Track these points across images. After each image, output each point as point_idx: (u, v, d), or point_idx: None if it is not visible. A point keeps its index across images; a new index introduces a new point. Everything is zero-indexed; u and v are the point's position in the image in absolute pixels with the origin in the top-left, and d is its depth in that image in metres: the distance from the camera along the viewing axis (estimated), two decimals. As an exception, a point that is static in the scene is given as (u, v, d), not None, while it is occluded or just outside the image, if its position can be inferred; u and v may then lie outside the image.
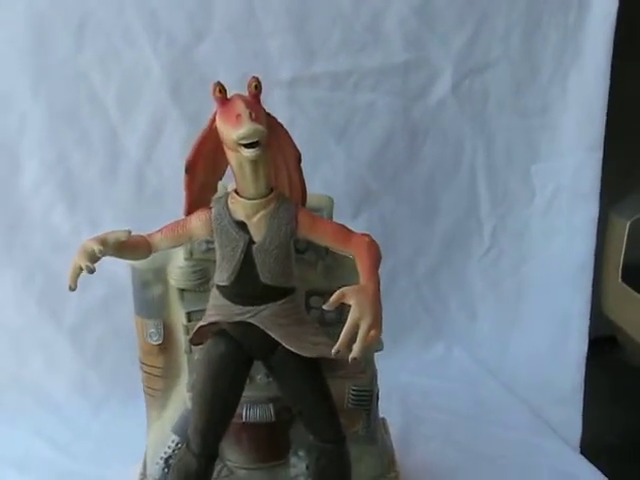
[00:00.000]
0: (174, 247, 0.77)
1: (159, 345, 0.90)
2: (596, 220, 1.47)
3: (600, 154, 1.44)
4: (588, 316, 1.49)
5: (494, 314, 1.55)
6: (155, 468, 0.93)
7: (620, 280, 1.79)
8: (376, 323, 0.65)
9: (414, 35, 1.37)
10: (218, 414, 0.77)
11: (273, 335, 0.72)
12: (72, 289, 0.71)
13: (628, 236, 1.80)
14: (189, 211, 0.73)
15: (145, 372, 0.93)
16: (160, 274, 0.87)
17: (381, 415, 1.01)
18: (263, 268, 0.71)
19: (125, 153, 1.30)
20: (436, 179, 1.47)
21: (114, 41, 1.25)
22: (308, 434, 0.81)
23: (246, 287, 0.72)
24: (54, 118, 1.27)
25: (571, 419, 1.41)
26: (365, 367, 0.92)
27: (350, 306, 0.66)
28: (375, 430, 0.96)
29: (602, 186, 1.51)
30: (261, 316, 0.72)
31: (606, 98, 1.41)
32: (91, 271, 0.69)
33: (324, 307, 0.67)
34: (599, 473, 1.14)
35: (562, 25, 1.41)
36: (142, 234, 0.75)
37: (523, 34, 1.41)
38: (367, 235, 0.72)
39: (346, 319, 0.70)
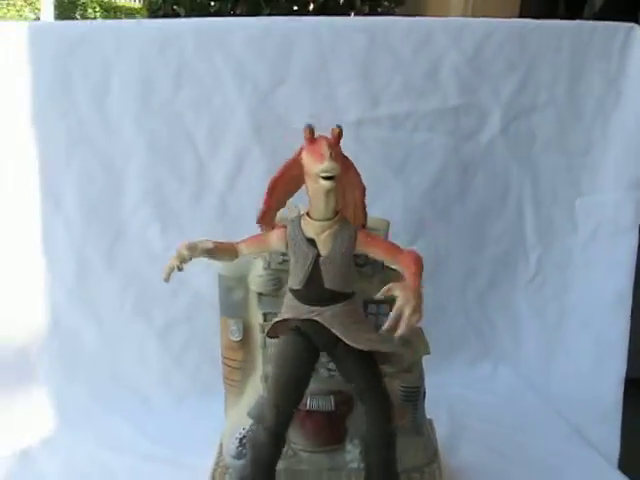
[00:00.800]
0: (255, 255, 0.91)
1: (239, 341, 1.02)
2: (635, 253, 1.50)
3: (639, 192, 1.48)
4: (627, 341, 1.51)
5: (538, 336, 1.59)
6: (231, 447, 1.02)
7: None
8: (417, 309, 0.77)
9: (467, 81, 1.43)
10: (291, 394, 0.87)
11: (334, 331, 0.82)
12: (166, 281, 0.85)
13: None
14: (261, 220, 0.87)
15: (226, 365, 1.05)
16: (242, 281, 0.99)
17: (428, 417, 1.09)
18: (327, 276, 0.82)
19: (211, 183, 1.41)
20: (485, 211, 1.52)
21: (205, 86, 1.36)
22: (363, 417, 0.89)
23: (313, 291, 0.83)
24: (153, 150, 1.38)
25: (610, 436, 1.44)
26: (412, 367, 1.02)
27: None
28: (421, 425, 1.05)
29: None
30: (325, 315, 0.83)
31: None
32: (180, 269, 0.84)
33: (377, 296, 0.79)
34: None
35: (604, 71, 1.46)
36: (231, 241, 0.88)
37: (568, 80, 1.46)
38: (413, 250, 0.83)
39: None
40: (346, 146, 0.84)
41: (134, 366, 1.43)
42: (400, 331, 0.77)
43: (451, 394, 1.46)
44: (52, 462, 1.20)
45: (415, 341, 1.03)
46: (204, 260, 0.92)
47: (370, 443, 0.90)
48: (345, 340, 0.83)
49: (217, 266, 1.00)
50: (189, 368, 1.44)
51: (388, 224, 0.98)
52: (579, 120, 1.50)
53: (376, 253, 0.85)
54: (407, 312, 0.77)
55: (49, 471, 1.18)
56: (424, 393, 1.06)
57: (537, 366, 1.59)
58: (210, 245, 0.86)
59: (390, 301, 0.94)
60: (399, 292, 0.78)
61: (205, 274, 1.18)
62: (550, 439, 1.32)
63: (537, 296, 1.60)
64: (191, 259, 0.85)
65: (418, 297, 0.78)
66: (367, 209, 0.89)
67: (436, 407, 1.18)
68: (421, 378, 1.04)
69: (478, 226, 1.54)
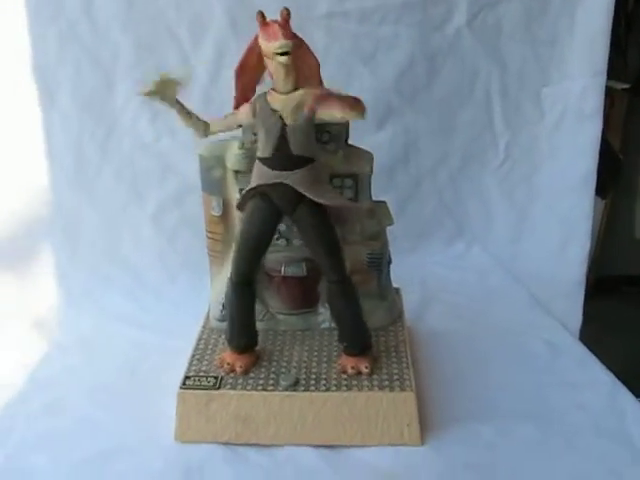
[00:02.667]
0: (226, 130, 0.97)
1: (220, 216, 1.09)
2: (599, 138, 1.58)
3: (603, 79, 1.54)
4: (591, 221, 1.62)
5: (508, 217, 1.68)
6: (215, 310, 1.12)
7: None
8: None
9: None
10: (251, 249, 0.96)
11: (301, 190, 0.90)
12: (140, 94, 0.92)
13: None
14: (236, 107, 0.94)
15: (209, 238, 1.11)
16: (220, 160, 1.05)
17: (397, 285, 1.19)
18: (293, 143, 0.90)
19: (195, 76, 1.46)
20: (453, 99, 1.58)
21: None
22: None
23: (281, 157, 0.90)
24: (139, 47, 1.43)
25: (572, 310, 1.55)
26: (377, 236, 1.09)
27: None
28: (386, 290, 1.14)
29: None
30: (292, 178, 0.90)
31: (609, 28, 1.50)
32: (156, 94, 0.92)
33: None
34: (584, 348, 1.25)
35: None
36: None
37: None
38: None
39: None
40: (317, 38, 0.94)
41: (130, 247, 1.52)
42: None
43: (424, 270, 1.55)
44: (60, 331, 1.32)
45: (380, 213, 1.11)
46: (189, 146, 0.98)
47: (328, 296, 1.00)
48: (310, 196, 0.91)
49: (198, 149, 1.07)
50: (180, 248, 1.53)
51: (372, 156, 1.05)
52: (545, 10, 1.54)
53: (331, 109, 0.90)
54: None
55: (60, 339, 1.29)
56: (389, 261, 1.14)
57: (506, 245, 1.68)
58: (185, 75, 0.94)
59: (351, 175, 1.05)
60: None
61: (191, 160, 1.24)
62: (516, 310, 1.40)
63: (506, 180, 1.67)
64: (164, 93, 0.92)
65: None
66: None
67: (409, 282, 1.28)
68: (385, 246, 1.11)
69: (447, 113, 1.60)
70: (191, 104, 1.40)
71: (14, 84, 1.43)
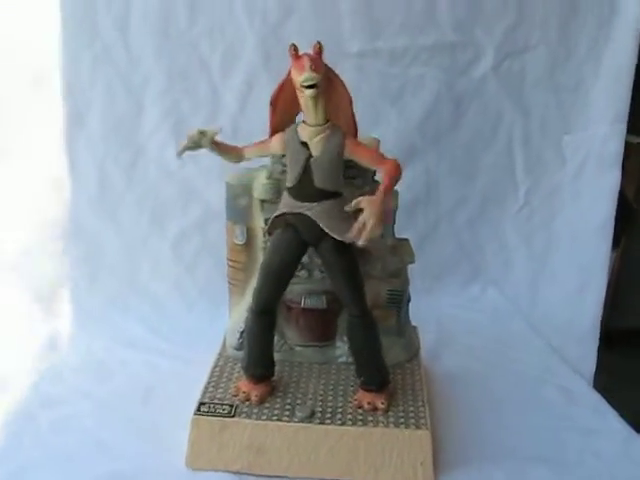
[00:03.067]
0: (258, 156, 0.98)
1: (243, 244, 1.09)
2: (618, 186, 1.58)
3: (624, 126, 1.54)
4: (607, 269, 1.61)
5: (525, 262, 1.67)
6: (232, 338, 1.11)
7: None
8: (378, 223, 0.86)
9: (462, 19, 1.48)
10: (275, 278, 0.96)
11: (320, 224, 0.91)
12: (179, 156, 0.95)
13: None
14: (271, 135, 0.94)
15: (230, 266, 1.12)
16: (247, 189, 1.06)
17: (414, 324, 1.19)
18: (317, 175, 0.90)
19: (224, 106, 1.48)
20: (476, 143, 1.58)
21: (219, 17, 1.43)
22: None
23: (304, 188, 0.91)
24: (171, 75, 1.45)
25: (586, 357, 1.53)
26: (398, 273, 1.10)
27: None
28: (404, 327, 1.14)
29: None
30: (314, 210, 0.91)
31: (632, 77, 1.51)
32: (193, 148, 0.94)
33: (345, 208, 0.89)
34: (598, 396, 1.24)
35: (597, 11, 1.50)
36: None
37: (560, 20, 1.51)
38: (395, 159, 0.91)
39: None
40: (348, 75, 0.92)
41: (149, 274, 1.53)
42: (362, 241, 0.87)
43: (441, 311, 1.55)
44: (73, 354, 1.32)
45: (402, 250, 1.12)
46: (214, 173, 1.00)
47: (349, 330, 1.00)
48: (328, 232, 0.91)
49: (225, 177, 1.08)
50: (200, 277, 1.53)
51: (378, 141, 1.06)
52: (570, 58, 1.55)
53: (361, 157, 0.92)
54: (369, 225, 0.86)
55: (71, 360, 1.29)
56: (408, 299, 1.14)
57: (523, 290, 1.67)
58: (217, 130, 0.95)
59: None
60: (365, 205, 0.87)
61: (215, 187, 1.25)
62: (531, 355, 1.39)
63: (525, 225, 1.66)
64: (200, 145, 0.95)
65: (381, 210, 0.87)
66: (364, 135, 0.97)
67: (426, 321, 1.28)
68: (406, 284, 1.12)
69: (469, 157, 1.60)
70: (219, 135, 1.45)
71: (43, 104, 1.45)
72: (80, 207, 1.49)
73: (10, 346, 1.33)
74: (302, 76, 0.86)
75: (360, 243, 0.87)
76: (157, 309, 1.49)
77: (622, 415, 1.18)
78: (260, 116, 0.96)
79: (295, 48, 0.88)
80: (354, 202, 0.88)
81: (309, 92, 0.87)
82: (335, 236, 0.91)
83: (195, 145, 0.94)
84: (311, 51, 0.88)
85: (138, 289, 1.51)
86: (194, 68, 1.46)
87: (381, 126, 1.50)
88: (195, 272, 1.54)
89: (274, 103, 0.93)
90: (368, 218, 0.86)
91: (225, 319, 1.17)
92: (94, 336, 1.38)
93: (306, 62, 0.86)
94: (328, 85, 0.89)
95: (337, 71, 0.91)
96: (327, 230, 0.91)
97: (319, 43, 0.88)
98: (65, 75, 1.43)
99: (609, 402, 1.23)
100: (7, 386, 1.18)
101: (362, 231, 0.87)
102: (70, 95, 1.44)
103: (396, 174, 0.90)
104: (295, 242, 0.95)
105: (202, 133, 0.94)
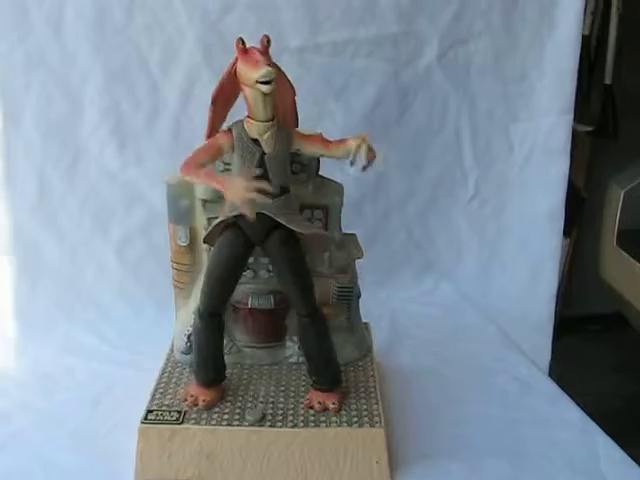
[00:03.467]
0: (213, 161, 0.92)
1: (186, 246, 1.06)
2: (567, 175, 1.60)
3: (571, 116, 1.56)
4: (559, 258, 1.63)
5: (477, 254, 1.68)
6: (180, 343, 1.09)
7: (615, 244, 1.95)
8: (370, 147, 0.88)
9: (404, 9, 1.47)
10: (221, 281, 0.94)
11: (279, 219, 0.88)
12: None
13: (622, 204, 1.96)
14: (210, 134, 0.91)
15: (175, 269, 1.09)
16: (188, 189, 1.03)
17: (366, 320, 1.17)
18: (272, 172, 0.88)
19: (165, 104, 1.45)
20: (424, 133, 1.58)
21: (158, 13, 1.39)
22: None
23: None
24: (109, 74, 1.41)
25: (541, 347, 1.56)
26: (347, 269, 1.08)
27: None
28: (355, 324, 1.12)
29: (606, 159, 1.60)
30: (271, 207, 0.88)
31: (576, 67, 1.53)
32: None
33: (350, 159, 0.89)
34: (554, 385, 1.25)
35: (538, 2, 1.53)
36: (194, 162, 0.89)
37: (503, 10, 1.52)
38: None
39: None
40: (289, 70, 0.90)
41: (93, 278, 1.49)
42: (361, 163, 0.88)
43: (393, 306, 1.54)
44: (18, 365, 1.29)
45: (349, 245, 1.11)
46: (156, 175, 0.98)
47: (299, 330, 0.99)
48: (289, 226, 0.90)
49: (166, 177, 1.05)
50: (145, 279, 1.50)
51: (321, 135, 1.00)
52: (514, 48, 1.56)
53: (312, 145, 0.92)
54: (364, 145, 0.88)
55: (15, 373, 1.26)
56: (358, 294, 1.13)
57: (476, 281, 1.68)
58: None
59: (321, 206, 1.04)
60: (352, 140, 0.88)
61: (157, 189, 1.22)
62: (485, 346, 1.39)
63: (476, 215, 1.67)
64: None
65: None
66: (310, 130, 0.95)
67: (378, 317, 1.30)
68: (354, 279, 1.10)
69: (417, 148, 1.59)
70: (160, 132, 1.42)
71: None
72: (20, 212, 1.45)
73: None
74: (259, 72, 0.83)
75: (362, 165, 0.88)
76: (103, 315, 1.46)
77: (578, 404, 1.19)
78: (202, 114, 0.93)
79: (243, 42, 0.85)
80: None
81: (266, 88, 0.84)
82: (295, 229, 0.90)
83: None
84: (258, 45, 0.86)
85: (82, 295, 1.48)
86: (133, 65, 1.42)
87: (326, 121, 1.48)
88: (140, 276, 1.51)
89: (215, 100, 0.90)
90: (360, 142, 0.88)
91: (172, 322, 1.15)
92: (39, 345, 1.34)
93: (260, 57, 0.84)
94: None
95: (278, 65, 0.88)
96: (287, 225, 0.90)
97: (267, 37, 0.85)
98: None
99: (565, 391, 1.23)
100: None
101: (358, 153, 0.87)
102: (3, 97, 1.40)
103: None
104: (240, 242, 0.93)
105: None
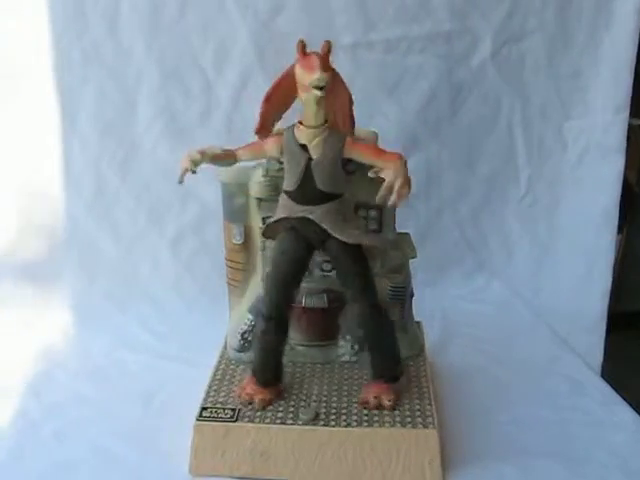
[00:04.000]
0: (253, 159, 0.96)
1: (241, 244, 1.08)
2: (622, 173, 1.56)
3: (627, 114, 1.53)
4: (612, 257, 1.59)
5: (529, 252, 1.67)
6: (234, 340, 1.10)
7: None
8: (406, 182, 0.85)
9: (458, 8, 1.47)
10: (284, 284, 0.95)
11: (325, 227, 0.89)
12: (180, 182, 0.91)
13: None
14: (259, 131, 0.91)
15: (229, 267, 1.10)
16: (243, 188, 1.04)
17: (418, 319, 1.17)
18: (318, 178, 0.88)
19: (217, 102, 1.47)
20: (476, 131, 1.57)
21: (210, 11, 1.42)
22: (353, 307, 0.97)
23: (306, 192, 0.89)
24: (163, 72, 1.44)
25: (594, 346, 1.53)
26: (400, 269, 1.08)
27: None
28: (407, 322, 1.12)
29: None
30: (316, 213, 0.89)
31: (633, 64, 1.50)
32: (193, 172, 0.90)
33: (369, 174, 0.87)
34: (607, 386, 1.23)
35: None
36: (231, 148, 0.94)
37: (557, 7, 1.50)
38: (397, 152, 0.89)
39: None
40: (342, 68, 0.89)
41: (148, 273, 1.52)
42: (392, 200, 0.86)
43: (445, 304, 1.54)
44: (73, 358, 1.30)
45: (403, 245, 1.10)
46: (210, 172, 0.99)
47: (361, 318, 0.97)
48: (333, 234, 0.90)
49: (221, 176, 1.06)
50: (199, 275, 1.52)
51: (376, 135, 1.03)
52: (569, 45, 1.54)
53: (362, 156, 0.90)
54: (397, 184, 0.85)
55: (70, 366, 1.27)
56: (411, 294, 1.13)
57: (528, 280, 1.66)
58: (217, 151, 0.93)
59: (376, 206, 1.03)
60: (387, 170, 0.86)
61: (211, 186, 1.23)
62: (537, 345, 1.38)
63: (528, 214, 1.66)
64: (201, 163, 0.91)
65: (405, 172, 0.86)
66: (362, 127, 0.95)
67: (430, 315, 1.29)
68: (408, 279, 1.10)
69: (469, 146, 1.58)
70: (212, 129, 1.44)
71: (36, 104, 1.43)
72: (76, 208, 1.48)
73: (9, 352, 1.31)
74: (313, 77, 0.83)
75: (391, 203, 0.86)
76: (156, 310, 1.48)
77: (631, 404, 1.17)
78: (255, 111, 0.93)
79: (303, 45, 0.85)
80: (374, 170, 0.88)
81: (317, 93, 0.84)
82: (340, 237, 0.90)
83: (195, 166, 0.91)
84: (319, 50, 0.85)
85: (137, 289, 1.50)
86: (186, 64, 1.45)
87: (379, 118, 1.48)
88: (194, 271, 1.53)
89: (269, 99, 0.90)
90: (395, 177, 0.85)
91: (225, 318, 1.15)
92: (94, 338, 1.36)
93: (316, 62, 0.83)
94: (330, 84, 0.86)
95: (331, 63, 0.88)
96: (331, 232, 0.90)
97: (328, 42, 0.85)
98: (56, 73, 1.41)
99: (617, 389, 1.22)
100: (7, 393, 1.17)
101: (391, 192, 0.85)
102: (61, 94, 1.42)
103: (403, 160, 0.88)
104: (301, 245, 0.94)
105: (202, 152, 0.91)
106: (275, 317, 0.96)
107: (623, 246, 2.25)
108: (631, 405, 1.17)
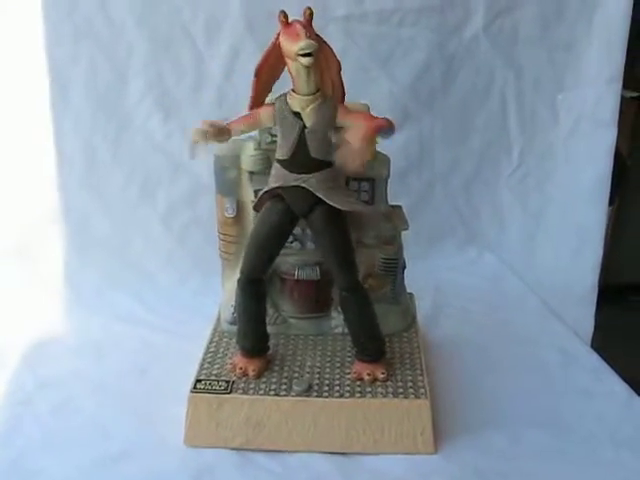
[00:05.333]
0: (247, 132, 0.95)
1: (233, 217, 1.07)
2: (613, 145, 1.56)
3: (619, 85, 1.52)
4: (603, 229, 1.60)
5: (521, 224, 1.68)
6: (227, 312, 1.10)
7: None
8: (369, 144, 0.83)
9: None
10: (261, 247, 0.95)
11: (318, 194, 0.89)
12: (192, 158, 0.90)
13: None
14: (252, 106, 0.92)
15: (222, 240, 1.10)
16: (235, 161, 1.04)
17: (410, 291, 1.17)
18: (312, 146, 0.88)
19: (209, 74, 1.46)
20: (469, 103, 1.57)
21: None
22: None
23: (300, 160, 0.89)
24: (154, 45, 1.42)
25: (584, 318, 1.54)
26: (392, 240, 1.08)
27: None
28: (399, 294, 1.13)
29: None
30: (310, 181, 0.89)
31: (627, 35, 1.49)
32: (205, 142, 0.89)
33: (332, 138, 0.87)
34: (597, 357, 1.24)
35: None
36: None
37: None
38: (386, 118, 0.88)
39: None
40: (335, 40, 0.90)
41: (140, 247, 1.52)
42: (357, 163, 0.83)
43: (437, 276, 1.55)
44: (68, 333, 1.31)
45: (395, 217, 1.10)
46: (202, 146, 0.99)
47: (341, 304, 0.99)
48: (327, 201, 0.90)
49: (213, 149, 1.05)
50: (191, 249, 1.52)
51: (368, 107, 1.02)
52: (562, 17, 1.53)
53: (354, 122, 0.89)
54: (357, 146, 0.83)
55: (65, 340, 1.28)
56: (404, 266, 1.13)
57: (519, 252, 1.67)
58: (223, 124, 0.91)
59: (368, 178, 1.03)
60: (351, 132, 0.85)
61: (204, 160, 1.22)
62: (528, 317, 1.40)
63: (520, 186, 1.67)
64: (212, 137, 0.90)
65: (370, 134, 0.84)
66: (354, 99, 0.95)
67: (422, 287, 1.27)
68: (400, 251, 1.10)
69: (462, 118, 1.58)
70: (204, 102, 1.43)
71: (26, 80, 1.42)
72: (68, 182, 1.48)
73: (4, 327, 1.32)
74: (298, 44, 0.83)
75: (355, 166, 0.83)
76: (150, 284, 1.48)
77: (621, 375, 1.18)
78: (246, 84, 0.92)
79: (285, 15, 0.85)
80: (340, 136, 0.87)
81: (306, 60, 0.84)
82: (335, 205, 0.90)
83: (203, 140, 0.90)
84: (301, 18, 0.85)
85: (130, 264, 1.50)
86: (177, 36, 1.43)
87: (371, 90, 1.47)
88: (186, 245, 1.53)
89: (259, 73, 0.90)
90: (356, 141, 0.83)
91: (217, 291, 1.16)
92: (88, 313, 1.37)
93: (300, 30, 0.83)
94: (318, 52, 0.85)
95: (324, 35, 0.88)
96: (325, 199, 0.90)
97: (309, 9, 0.85)
98: (47, 50, 1.40)
99: (607, 361, 1.23)
100: (2, 367, 1.18)
101: (350, 156, 0.84)
102: (52, 68, 1.41)
103: (386, 122, 0.87)
104: (283, 213, 0.94)
105: (212, 125, 0.90)
106: (252, 280, 0.98)
107: (614, 218, 2.25)
108: (620, 375, 1.18)
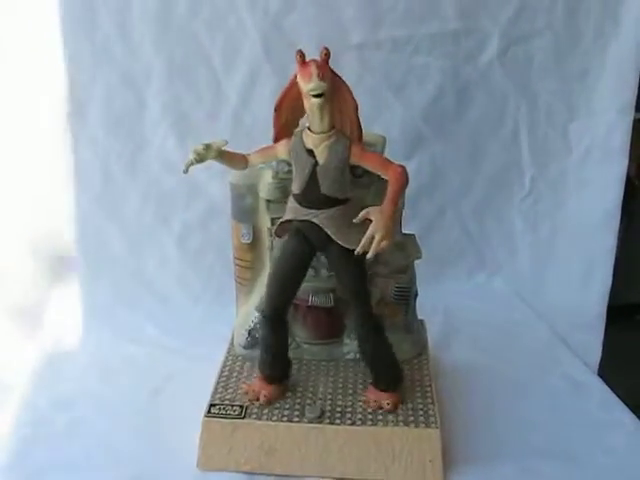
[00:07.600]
0: (264, 163, 0.98)
1: (249, 244, 1.09)
2: (624, 174, 1.55)
3: (631, 116, 1.52)
4: (613, 257, 1.58)
5: (531, 251, 1.67)
6: (241, 338, 1.12)
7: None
8: (387, 236, 0.86)
9: (465, 7, 1.46)
10: (284, 284, 0.97)
11: (327, 231, 0.90)
12: (185, 173, 0.92)
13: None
14: (276, 140, 0.93)
15: (237, 265, 1.12)
16: (252, 189, 1.05)
17: (421, 317, 1.19)
18: (323, 183, 0.90)
19: (226, 99, 1.46)
20: (482, 130, 1.56)
21: (219, 8, 1.41)
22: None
23: (310, 195, 0.91)
24: (172, 68, 1.43)
25: (592, 345, 1.50)
26: (405, 269, 1.09)
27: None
28: (412, 322, 1.14)
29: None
30: (320, 217, 0.91)
31: (639, 66, 1.47)
32: (198, 161, 0.92)
33: (354, 221, 0.88)
34: (604, 385, 1.24)
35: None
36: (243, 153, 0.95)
37: (566, 7, 1.49)
38: (401, 166, 0.89)
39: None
40: (350, 67, 0.92)
41: (154, 268, 1.53)
42: (370, 254, 0.87)
43: (447, 301, 1.54)
44: (80, 352, 1.32)
45: (408, 246, 1.11)
46: (217, 169, 1.01)
47: (357, 338, 1.01)
48: (336, 239, 0.91)
49: (229, 176, 1.07)
50: (204, 271, 1.53)
51: (384, 139, 1.04)
52: (577, 45, 1.53)
53: (367, 164, 0.91)
54: (377, 237, 0.86)
55: (78, 360, 1.29)
56: (416, 294, 1.14)
57: (529, 278, 1.66)
58: (222, 144, 0.94)
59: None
60: (373, 216, 0.87)
61: (218, 184, 1.24)
62: (536, 344, 1.40)
63: (531, 213, 1.66)
64: (205, 158, 0.93)
65: (390, 222, 0.87)
66: (368, 126, 0.95)
67: (432, 312, 1.29)
68: (413, 279, 1.11)
69: (474, 145, 1.58)
70: (221, 127, 1.43)
71: (44, 102, 1.43)
72: (84, 203, 1.49)
73: (19, 345, 1.33)
74: (309, 85, 0.85)
75: (369, 257, 0.88)
76: (163, 305, 1.49)
77: (628, 394, 1.20)
78: (262, 110, 0.94)
79: (302, 54, 0.86)
80: (362, 213, 0.88)
81: (316, 101, 0.86)
82: (342, 244, 0.91)
83: (201, 159, 0.93)
84: (318, 51, 0.86)
85: (144, 285, 1.52)
86: (195, 61, 1.44)
87: (385, 116, 1.48)
88: (200, 266, 1.53)
89: (278, 108, 0.92)
90: (376, 231, 0.86)
91: (230, 313, 1.17)
92: (101, 333, 1.38)
93: (313, 70, 0.85)
94: (334, 91, 0.88)
95: (339, 63, 0.89)
96: (334, 237, 0.91)
97: (326, 49, 0.86)
98: (66, 71, 1.41)
99: (614, 380, 1.26)
100: (16, 386, 1.19)
101: (370, 244, 0.87)
102: (71, 91, 1.43)
103: (402, 182, 0.89)
104: (303, 248, 0.95)
105: (208, 146, 0.93)
106: (274, 316, 0.99)
107: (622, 238, 2.25)
108: (628, 395, 1.19)
